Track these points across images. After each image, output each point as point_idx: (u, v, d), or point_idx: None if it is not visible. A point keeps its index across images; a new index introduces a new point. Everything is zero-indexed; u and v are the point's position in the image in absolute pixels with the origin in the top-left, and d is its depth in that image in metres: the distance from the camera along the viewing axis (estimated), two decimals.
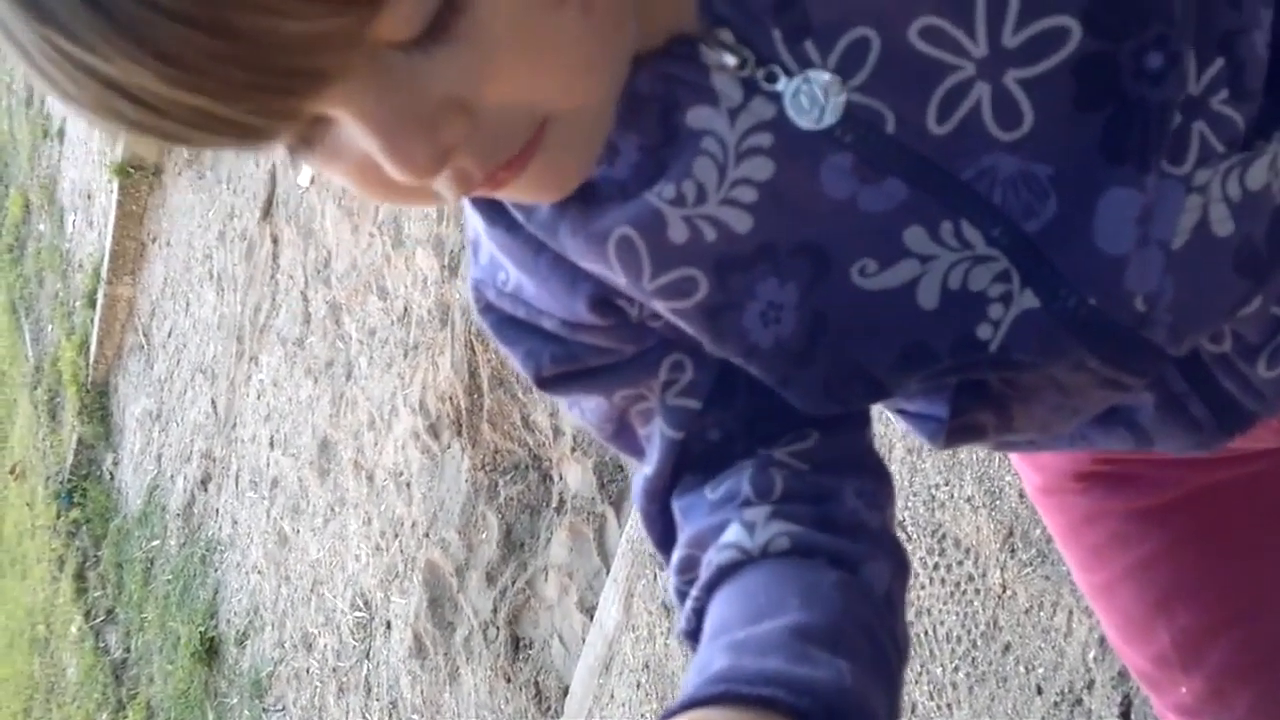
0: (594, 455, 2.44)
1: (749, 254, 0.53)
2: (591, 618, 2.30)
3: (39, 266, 7.39)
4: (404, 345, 3.17)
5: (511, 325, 0.59)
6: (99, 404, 6.02)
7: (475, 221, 0.58)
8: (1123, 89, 0.47)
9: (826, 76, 0.49)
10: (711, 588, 0.55)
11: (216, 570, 4.34)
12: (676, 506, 0.60)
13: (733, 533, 0.56)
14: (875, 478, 0.60)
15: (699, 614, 0.55)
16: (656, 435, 0.60)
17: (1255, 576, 0.69)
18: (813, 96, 0.49)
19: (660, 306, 0.55)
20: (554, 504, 2.55)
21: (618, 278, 0.55)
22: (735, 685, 0.47)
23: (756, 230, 0.52)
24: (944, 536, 1.57)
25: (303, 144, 0.43)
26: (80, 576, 5.81)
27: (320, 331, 3.75)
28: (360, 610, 3.23)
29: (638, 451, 0.62)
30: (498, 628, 2.61)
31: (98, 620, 5.44)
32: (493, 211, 0.56)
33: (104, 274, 5.77)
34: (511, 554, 2.64)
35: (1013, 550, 1.48)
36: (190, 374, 4.95)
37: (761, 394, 0.58)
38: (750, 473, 0.58)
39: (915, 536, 1.60)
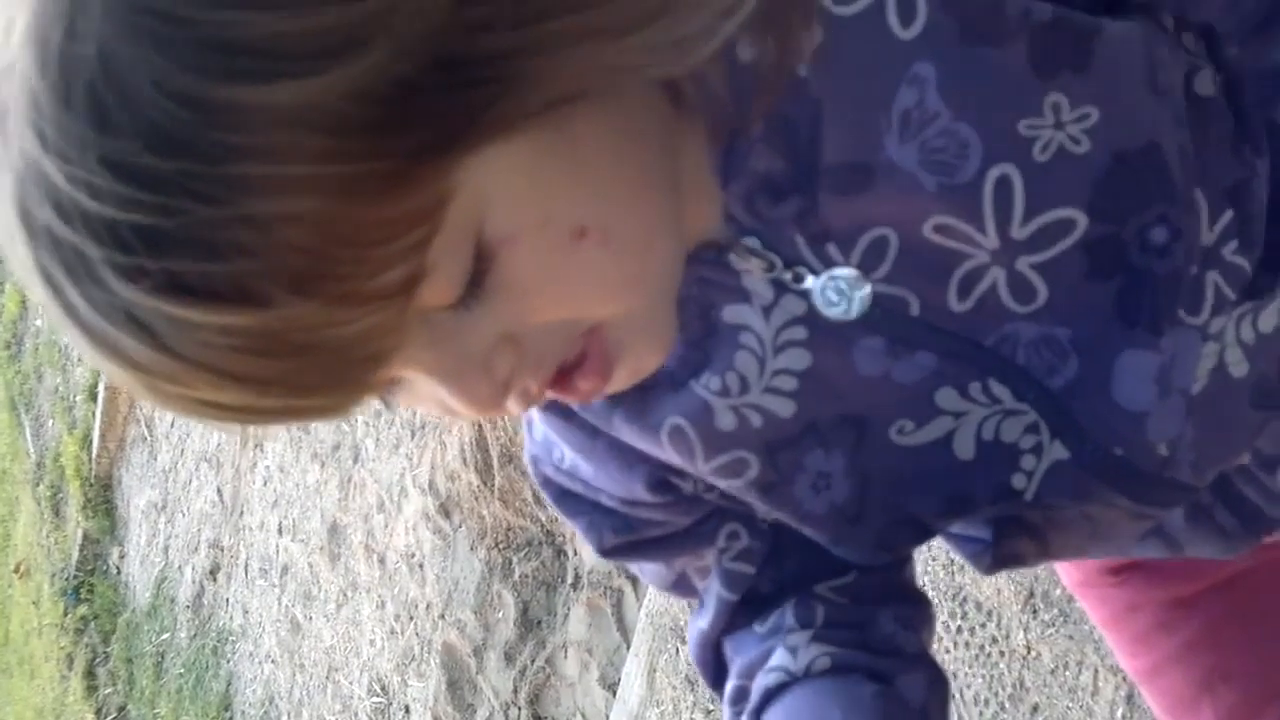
0: None
1: (794, 434, 0.57)
2: (614, 694, 2.29)
3: (37, 362, 7.40)
4: (410, 426, 3.19)
5: (571, 498, 0.63)
6: (103, 497, 6.00)
7: None
8: (1130, 262, 0.50)
9: (851, 272, 0.52)
10: (759, 711, 0.59)
11: (229, 661, 4.31)
12: (727, 643, 0.64)
13: (777, 657, 0.59)
14: (912, 604, 0.64)
15: None
16: (713, 594, 0.63)
17: None
18: (840, 291, 0.52)
19: (718, 482, 0.58)
20: (570, 580, 2.55)
21: (671, 460, 0.58)
22: None
23: (800, 413, 0.56)
24: (965, 600, 1.58)
25: (386, 396, 0.48)
26: (90, 674, 5.75)
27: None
28: (378, 695, 3.21)
29: (694, 596, 0.66)
30: (519, 708, 2.59)
31: (110, 718, 5.38)
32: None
33: None
34: (529, 632, 2.63)
35: (1034, 611, 1.49)
36: (195, 463, 4.94)
37: (811, 549, 0.62)
38: (793, 605, 0.62)
39: (937, 600, 1.61)
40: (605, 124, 0.45)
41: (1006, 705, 1.51)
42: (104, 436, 5.88)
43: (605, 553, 0.63)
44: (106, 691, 5.53)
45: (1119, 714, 1.39)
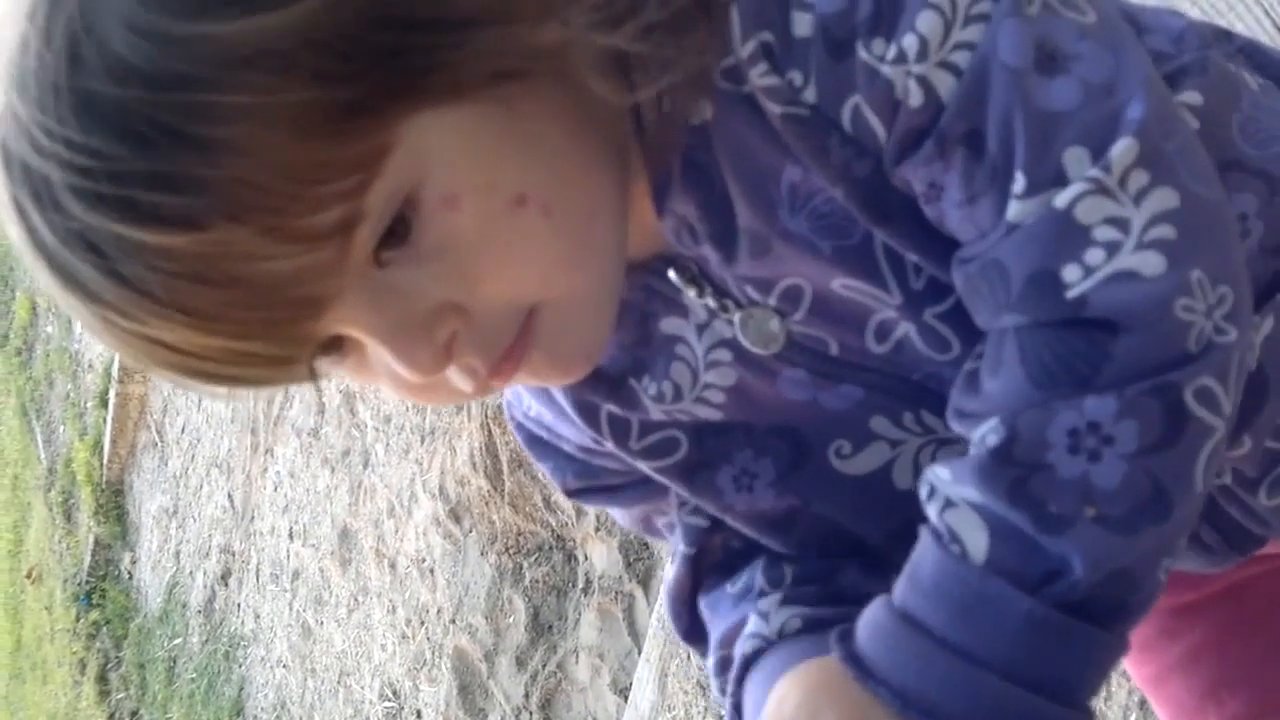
0: (618, 534, 2.44)
1: (724, 427, 0.60)
2: (625, 699, 2.29)
3: (48, 369, 7.42)
4: (420, 431, 3.19)
5: (538, 443, 0.66)
6: (114, 503, 6.02)
7: None
8: None
9: (769, 315, 0.55)
10: (741, 680, 0.61)
11: (241, 666, 4.32)
12: (703, 603, 0.66)
13: (752, 624, 0.62)
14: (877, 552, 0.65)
15: (738, 709, 0.61)
16: (678, 550, 0.66)
17: None
18: (758, 328, 0.55)
19: (644, 465, 0.62)
20: (580, 584, 2.55)
21: (605, 441, 0.61)
22: None
23: (729, 417, 0.59)
24: None
25: (334, 363, 0.50)
26: (103, 679, 5.76)
27: (335, 421, 3.77)
28: (389, 700, 3.21)
29: (661, 538, 0.70)
30: (530, 712, 2.59)
31: None
32: None
33: (115, 373, 5.79)
34: (540, 637, 2.63)
35: None
36: (205, 469, 4.95)
37: None
38: (763, 565, 0.64)
39: None
40: (553, 105, 0.49)
41: None
42: (115, 442, 5.90)
43: (569, 493, 0.67)
44: (119, 697, 5.54)
45: (1132, 719, 1.38)
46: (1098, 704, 1.41)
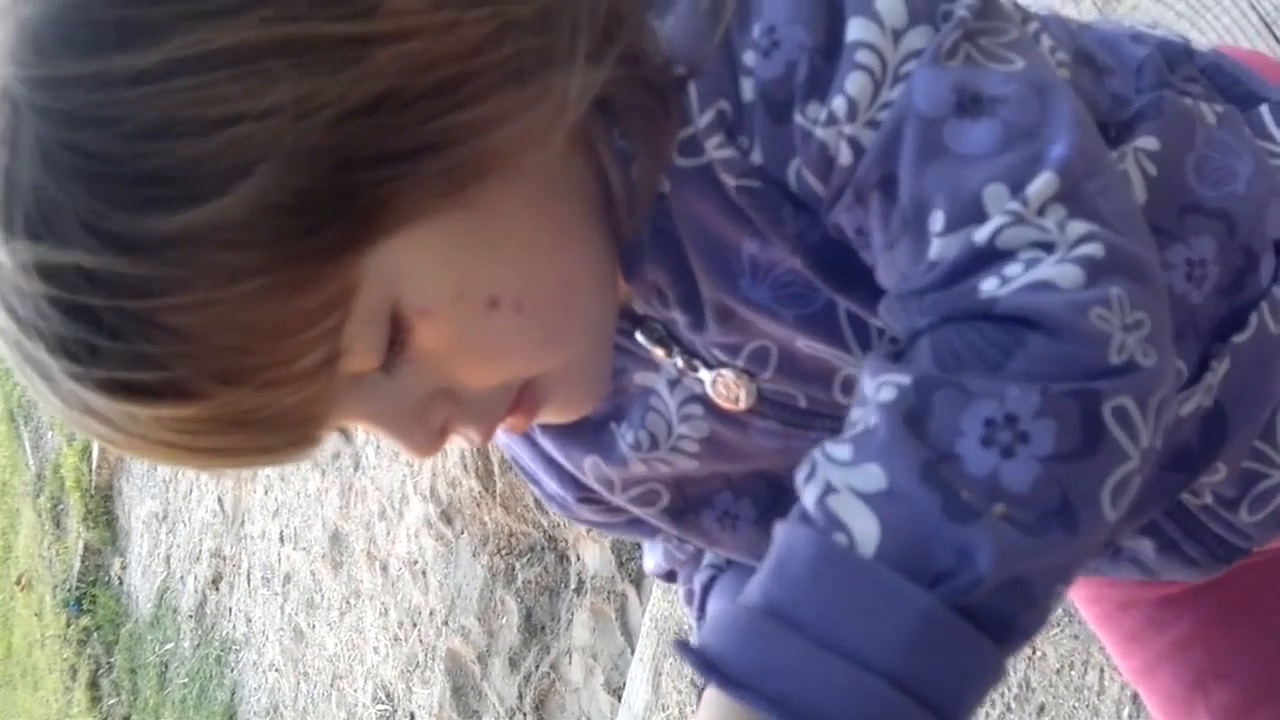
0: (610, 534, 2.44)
1: (701, 476, 0.61)
2: (619, 699, 2.29)
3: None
4: None
5: (522, 467, 0.68)
6: (104, 508, 5.99)
7: None
8: None
9: (737, 375, 0.56)
10: (703, 606, 0.66)
11: (233, 670, 4.31)
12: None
13: (706, 556, 0.67)
14: None
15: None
16: (656, 560, 0.70)
17: None
18: (728, 388, 0.56)
19: (632, 510, 0.64)
20: (573, 585, 2.55)
21: (592, 486, 0.63)
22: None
23: (703, 467, 0.61)
24: None
25: (343, 432, 0.53)
26: (94, 685, 5.74)
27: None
28: (382, 703, 3.21)
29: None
30: (524, 714, 2.59)
31: None
32: None
33: None
34: (533, 638, 2.63)
35: None
36: (195, 473, 4.94)
37: None
38: None
39: None
40: (521, 190, 0.49)
41: (1013, 705, 1.51)
42: (104, 448, 5.87)
43: (555, 511, 0.69)
44: (110, 702, 5.52)
45: (1125, 713, 1.39)
46: (1091, 697, 1.42)
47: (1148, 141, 0.54)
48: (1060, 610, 1.48)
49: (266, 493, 4.17)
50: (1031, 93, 0.46)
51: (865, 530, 0.41)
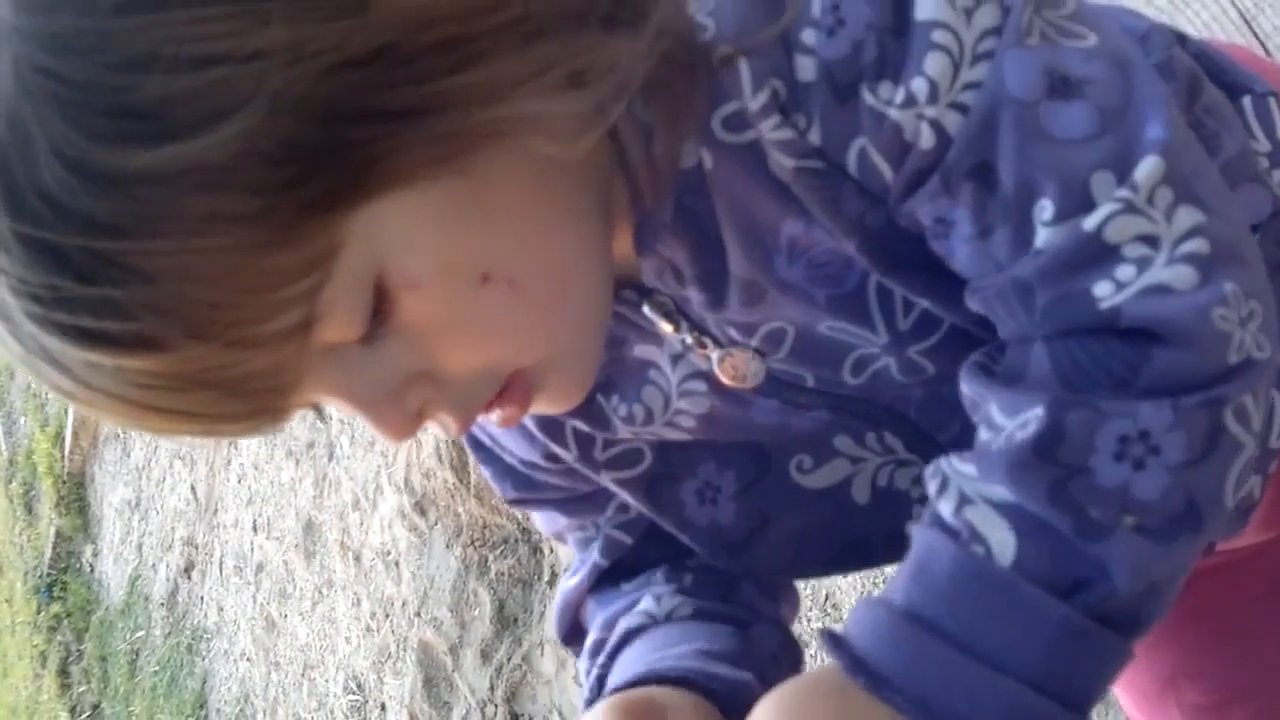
0: None
1: (689, 443, 0.60)
2: None
3: (8, 359, 7.34)
4: None
5: (481, 447, 0.66)
6: (76, 495, 5.95)
7: None
8: None
9: (749, 355, 0.55)
10: (616, 652, 0.61)
11: (204, 659, 4.29)
12: (592, 601, 0.66)
13: (642, 604, 0.62)
14: (776, 584, 0.67)
15: (601, 681, 0.60)
16: (589, 561, 0.66)
17: (1256, 655, 0.71)
18: (737, 367, 0.55)
19: (606, 477, 0.62)
20: (546, 577, 2.55)
21: (568, 453, 0.61)
22: (653, 672, 0.53)
23: (695, 439, 0.59)
24: None
25: (314, 408, 0.51)
26: (64, 672, 5.71)
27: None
28: (354, 693, 3.19)
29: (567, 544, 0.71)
30: (495, 705, 2.58)
31: (84, 716, 5.34)
32: None
33: None
34: (505, 629, 2.63)
35: None
36: (169, 461, 4.91)
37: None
38: (664, 569, 0.64)
39: None
40: (516, 164, 0.46)
41: None
42: (77, 434, 5.83)
43: (508, 501, 0.67)
44: (80, 690, 5.49)
45: (1096, 710, 1.39)
46: None
47: None
48: None
49: (240, 481, 4.15)
50: (1115, 70, 0.46)
51: (1002, 542, 0.44)
